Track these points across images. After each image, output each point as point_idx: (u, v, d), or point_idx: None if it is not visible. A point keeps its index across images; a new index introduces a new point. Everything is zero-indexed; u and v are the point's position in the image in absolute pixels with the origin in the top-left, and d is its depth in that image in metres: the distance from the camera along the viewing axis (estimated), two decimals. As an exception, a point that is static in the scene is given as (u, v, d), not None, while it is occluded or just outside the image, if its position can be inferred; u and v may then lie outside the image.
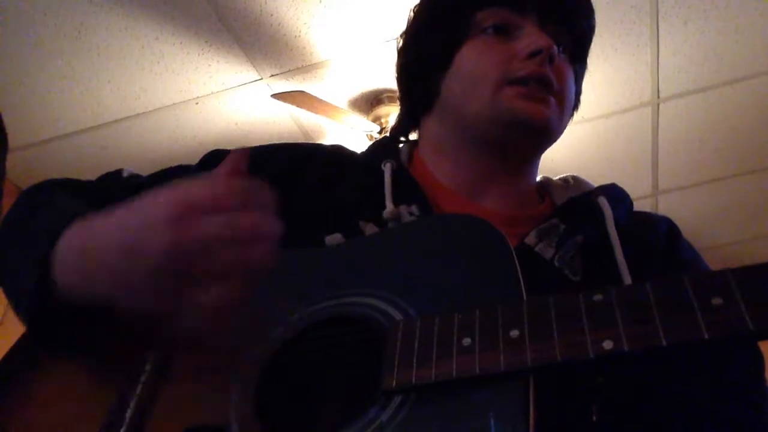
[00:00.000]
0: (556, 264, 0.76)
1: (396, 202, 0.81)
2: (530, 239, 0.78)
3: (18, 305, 0.71)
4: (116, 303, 0.62)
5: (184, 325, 0.59)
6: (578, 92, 0.96)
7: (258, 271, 0.58)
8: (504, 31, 0.86)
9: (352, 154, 0.96)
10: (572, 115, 0.96)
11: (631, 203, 0.90)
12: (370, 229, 0.80)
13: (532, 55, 0.82)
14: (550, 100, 0.83)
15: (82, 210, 0.71)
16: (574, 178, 0.94)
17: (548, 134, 0.86)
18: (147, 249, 0.58)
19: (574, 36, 0.89)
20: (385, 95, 2.98)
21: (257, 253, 0.58)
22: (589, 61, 0.98)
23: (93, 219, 0.66)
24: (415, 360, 0.58)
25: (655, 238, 0.84)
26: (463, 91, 0.87)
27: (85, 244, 0.65)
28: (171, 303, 0.58)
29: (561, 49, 0.86)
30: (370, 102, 3.02)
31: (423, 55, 0.93)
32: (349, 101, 3.02)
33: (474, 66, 0.86)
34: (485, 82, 0.84)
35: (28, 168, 3.08)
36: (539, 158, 0.93)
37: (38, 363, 0.76)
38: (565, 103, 0.86)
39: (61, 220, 0.69)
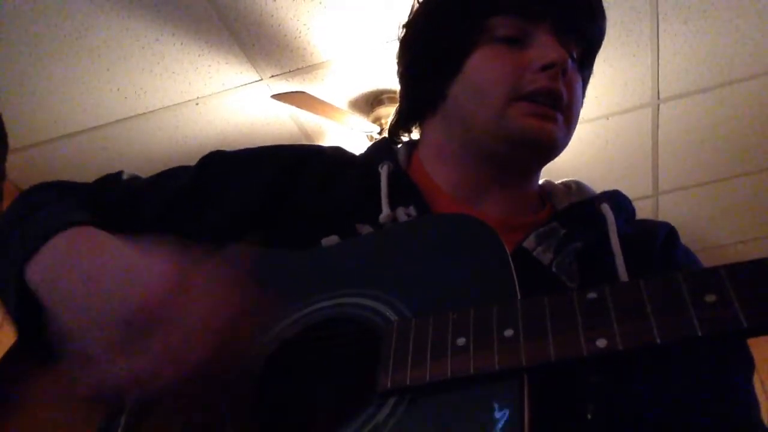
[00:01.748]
0: (554, 269, 0.76)
1: (393, 205, 0.81)
2: (529, 243, 0.78)
3: (6, 305, 0.72)
4: (61, 332, 0.62)
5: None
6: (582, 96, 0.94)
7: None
8: (516, 41, 0.83)
9: (351, 155, 0.95)
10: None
11: (633, 210, 0.89)
12: (366, 231, 0.79)
13: (545, 68, 0.80)
14: (558, 117, 0.81)
15: (77, 215, 0.72)
16: (577, 183, 0.92)
17: (554, 151, 0.84)
18: (108, 301, 0.59)
19: (585, 42, 0.87)
20: (385, 96, 2.98)
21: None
22: None
23: (80, 239, 0.67)
24: (409, 360, 0.58)
25: (653, 244, 0.83)
26: (470, 102, 0.84)
27: (61, 264, 0.66)
28: (100, 351, 0.59)
29: (572, 59, 0.84)
30: (370, 103, 3.02)
31: (430, 57, 0.90)
32: (350, 102, 3.02)
33: (483, 76, 0.83)
34: (494, 94, 0.81)
35: (28, 168, 3.09)
36: (541, 169, 0.92)
37: (26, 376, 0.76)
38: (573, 116, 0.84)
39: (54, 223, 0.69)
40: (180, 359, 0.57)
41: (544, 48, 0.81)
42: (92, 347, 0.59)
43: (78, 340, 0.60)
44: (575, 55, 0.86)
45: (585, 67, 0.90)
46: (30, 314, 0.68)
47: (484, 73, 0.84)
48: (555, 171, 0.99)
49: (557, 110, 0.81)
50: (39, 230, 0.69)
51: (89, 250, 0.66)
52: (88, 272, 0.63)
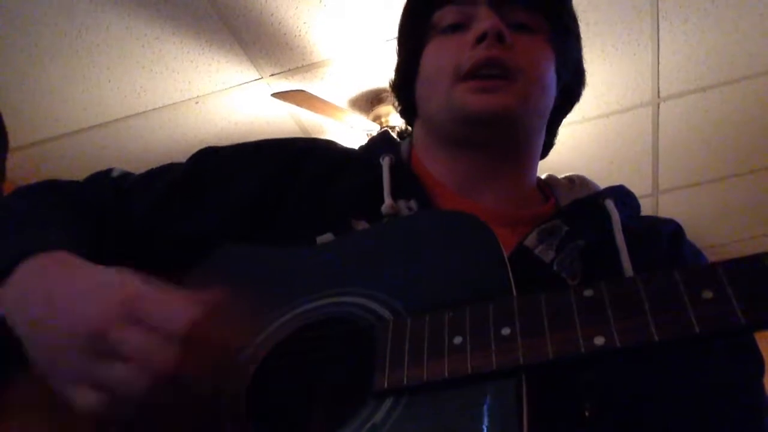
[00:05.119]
0: (555, 268, 0.75)
1: (395, 197, 0.80)
2: (530, 241, 0.77)
3: None
4: (27, 352, 0.63)
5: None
6: (578, 66, 0.93)
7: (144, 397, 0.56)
8: (460, 26, 0.85)
9: (346, 149, 0.95)
10: (577, 94, 0.94)
11: (638, 206, 0.89)
12: (362, 227, 0.78)
13: (479, 40, 0.81)
14: (507, 86, 0.80)
15: (53, 237, 0.72)
16: (580, 178, 0.92)
17: (512, 122, 0.82)
18: (70, 320, 0.58)
19: (541, 10, 0.86)
20: (385, 94, 2.97)
21: (162, 391, 0.55)
22: (589, 60, 0.96)
23: (47, 265, 0.67)
24: (406, 360, 0.58)
25: (659, 242, 0.83)
26: (426, 94, 0.87)
27: (26, 289, 0.65)
28: (59, 382, 0.59)
29: (525, 26, 0.84)
30: (370, 101, 3.02)
31: (399, 64, 0.95)
32: (350, 100, 3.02)
33: (431, 66, 0.86)
34: (440, 80, 0.84)
35: (28, 168, 3.09)
36: (531, 151, 0.90)
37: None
38: (531, 79, 0.82)
39: (20, 249, 0.69)
40: (152, 365, 0.55)
41: (479, 20, 0.83)
42: (58, 367, 0.59)
43: (45, 361, 0.60)
44: (532, 25, 0.85)
45: (558, 32, 0.88)
46: None
47: (431, 64, 0.87)
48: (554, 170, 0.98)
49: (505, 78, 0.80)
50: (14, 251, 0.69)
51: (54, 273, 0.66)
52: (50, 294, 0.63)
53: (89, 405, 0.56)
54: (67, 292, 0.62)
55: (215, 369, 0.58)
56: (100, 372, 0.56)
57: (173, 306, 0.57)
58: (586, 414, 0.61)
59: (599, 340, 0.52)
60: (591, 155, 3.35)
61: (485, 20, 0.82)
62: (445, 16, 0.86)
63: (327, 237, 0.77)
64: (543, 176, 0.95)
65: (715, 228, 3.97)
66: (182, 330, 0.55)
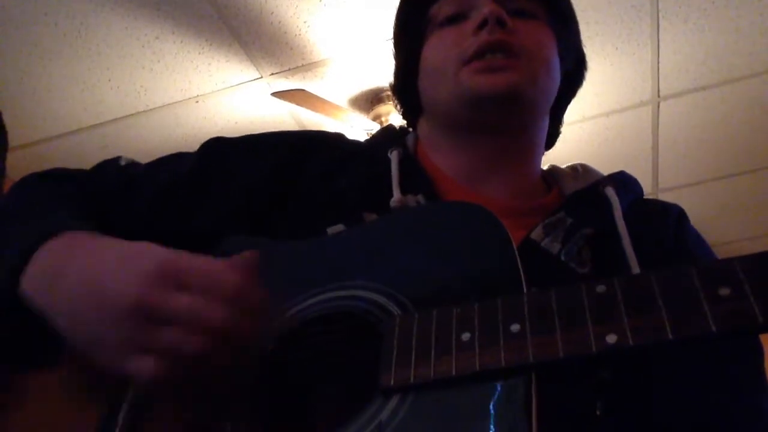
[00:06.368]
0: (563, 258, 0.75)
1: (403, 191, 0.80)
2: (536, 234, 0.77)
3: None
4: (64, 332, 0.62)
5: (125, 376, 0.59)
6: (579, 50, 0.93)
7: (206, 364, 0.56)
8: (459, 16, 0.86)
9: (355, 142, 0.95)
10: (579, 79, 0.94)
11: (641, 190, 0.89)
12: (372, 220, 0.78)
13: (480, 27, 0.82)
14: (513, 64, 0.81)
15: (68, 221, 0.71)
16: (583, 166, 0.92)
17: (520, 99, 0.82)
18: (111, 292, 0.58)
19: None
20: (385, 94, 2.97)
21: (215, 350, 0.56)
22: (589, 60, 0.96)
23: (76, 242, 0.66)
24: (413, 357, 0.57)
25: (664, 226, 0.83)
26: (430, 85, 0.87)
27: (58, 266, 0.65)
28: (108, 357, 0.58)
29: (524, 12, 0.85)
30: (370, 100, 3.02)
31: (399, 63, 0.95)
32: (349, 100, 3.02)
33: (434, 58, 0.87)
34: (445, 69, 0.84)
35: (28, 167, 3.07)
36: (537, 137, 0.90)
37: (11, 384, 0.73)
38: (535, 58, 0.83)
39: (43, 229, 0.69)
40: (202, 324, 0.55)
41: (477, 9, 0.84)
42: (106, 340, 0.58)
43: (89, 338, 0.60)
44: (529, 11, 0.86)
45: (556, 17, 0.89)
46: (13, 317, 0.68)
47: (433, 55, 0.87)
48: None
49: (510, 57, 0.81)
50: (28, 238, 0.68)
51: (82, 250, 0.65)
52: (86, 269, 0.62)
53: (147, 371, 0.55)
54: (103, 265, 0.61)
55: (260, 330, 0.59)
56: (152, 337, 0.56)
57: (214, 269, 0.58)
58: (598, 413, 0.61)
59: (611, 338, 0.51)
60: (591, 154, 3.35)
61: (484, 7, 0.82)
62: (443, 8, 0.87)
63: (338, 228, 0.76)
64: (545, 167, 0.95)
65: (716, 227, 3.97)
66: (226, 292, 0.56)
